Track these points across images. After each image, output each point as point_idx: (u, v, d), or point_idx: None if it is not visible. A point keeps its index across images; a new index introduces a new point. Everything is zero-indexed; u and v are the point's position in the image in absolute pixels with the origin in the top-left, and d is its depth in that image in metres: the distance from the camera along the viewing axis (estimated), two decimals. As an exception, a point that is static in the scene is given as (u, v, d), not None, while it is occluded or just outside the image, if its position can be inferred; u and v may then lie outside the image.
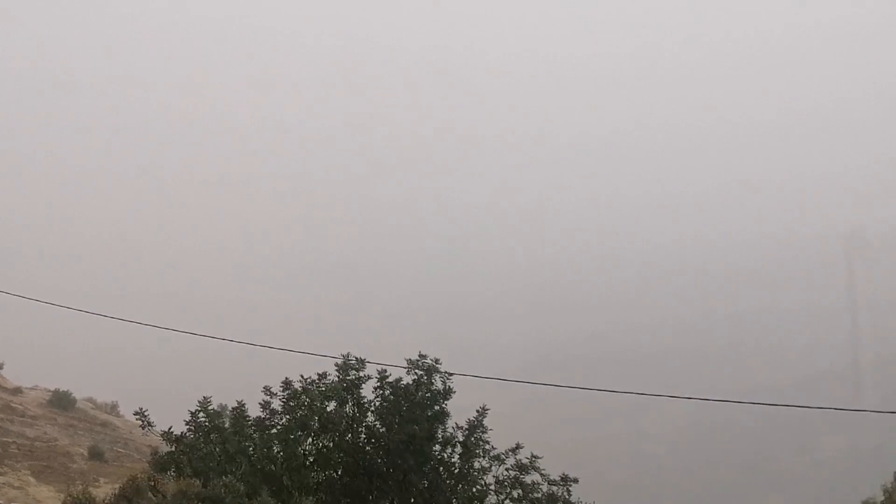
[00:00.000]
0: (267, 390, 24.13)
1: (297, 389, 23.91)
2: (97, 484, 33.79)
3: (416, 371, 24.62)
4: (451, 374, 24.77)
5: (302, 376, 24.21)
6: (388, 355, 25.25)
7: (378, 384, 24.39)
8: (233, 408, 23.85)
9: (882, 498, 29.19)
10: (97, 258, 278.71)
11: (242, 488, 18.20)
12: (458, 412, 25.12)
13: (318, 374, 24.31)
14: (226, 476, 19.42)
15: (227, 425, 23.26)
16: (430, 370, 24.67)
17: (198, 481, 19.42)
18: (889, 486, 28.93)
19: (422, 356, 24.92)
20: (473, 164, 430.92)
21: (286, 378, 24.28)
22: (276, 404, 23.90)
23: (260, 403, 24.01)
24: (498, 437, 24.99)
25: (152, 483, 18.33)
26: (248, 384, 25.79)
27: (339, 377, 24.28)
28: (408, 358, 24.88)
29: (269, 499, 18.91)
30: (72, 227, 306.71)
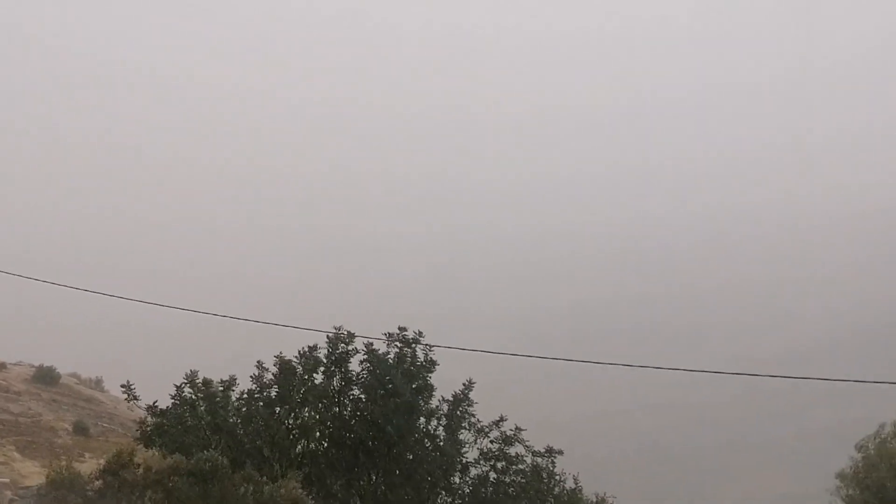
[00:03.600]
0: (260, 365, 24.15)
1: (286, 362, 23.95)
2: (82, 459, 33.73)
3: (397, 344, 24.62)
4: (432, 347, 24.78)
5: (299, 351, 24.25)
6: (379, 330, 25.24)
7: (364, 358, 24.41)
8: (221, 380, 23.85)
9: (855, 466, 29.69)
10: (81, 232, 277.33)
11: (226, 461, 18.15)
12: (447, 385, 25.13)
13: (309, 347, 24.33)
14: (208, 450, 19.38)
15: (217, 399, 23.27)
16: (412, 343, 24.66)
17: (182, 456, 19.37)
18: (858, 456, 29.43)
19: (402, 329, 24.90)
20: (462, 138, 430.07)
21: (280, 353, 24.30)
22: (269, 378, 23.94)
23: (251, 377, 24.04)
24: (484, 410, 25.03)
25: (137, 459, 18.26)
26: (238, 359, 25.77)
27: (329, 350, 24.30)
28: (386, 332, 24.86)
29: (254, 472, 18.88)
30: (54, 201, 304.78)
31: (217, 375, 24.11)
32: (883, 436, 29.55)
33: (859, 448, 29.75)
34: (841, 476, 29.95)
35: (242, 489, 17.76)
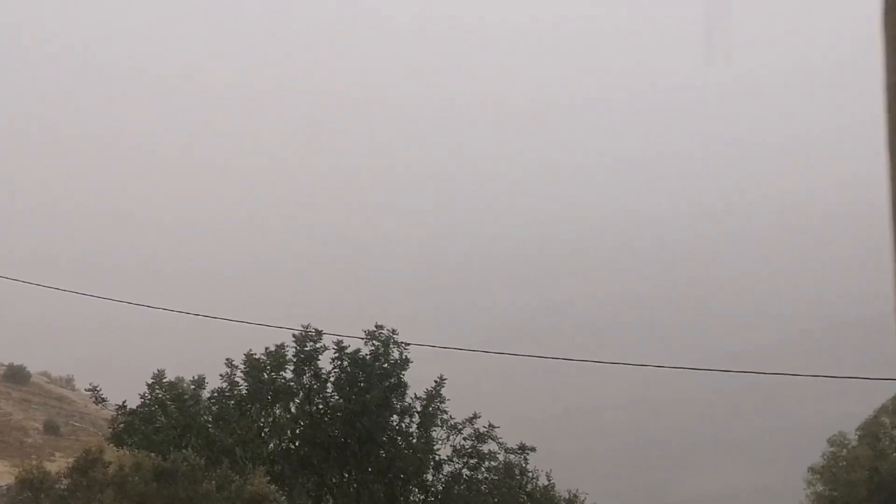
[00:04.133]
0: (229, 362, 24.09)
1: (256, 360, 23.91)
2: (52, 458, 33.54)
3: (374, 342, 24.62)
4: (407, 345, 24.80)
5: (266, 349, 24.21)
6: (349, 327, 25.23)
7: (336, 355, 24.39)
8: (191, 380, 23.78)
9: (826, 460, 30.05)
10: (51, 229, 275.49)
11: (202, 461, 18.10)
12: (420, 383, 25.16)
13: (276, 346, 24.29)
14: (184, 449, 19.33)
15: (186, 397, 23.21)
16: (387, 341, 24.68)
17: (155, 454, 19.29)
18: (828, 452, 29.80)
19: (378, 327, 24.92)
20: (441, 134, 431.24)
21: (249, 350, 24.26)
22: (238, 376, 23.89)
23: (221, 375, 23.98)
24: (457, 408, 25.06)
25: (106, 458, 18.17)
26: (208, 357, 25.70)
27: (296, 348, 24.28)
28: (365, 329, 24.88)
29: (229, 471, 18.82)
30: (24, 197, 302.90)
31: (192, 374, 24.08)
32: (855, 432, 29.91)
33: (832, 443, 30.09)
34: (812, 470, 30.27)
35: (209, 486, 17.69)
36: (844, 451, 29.43)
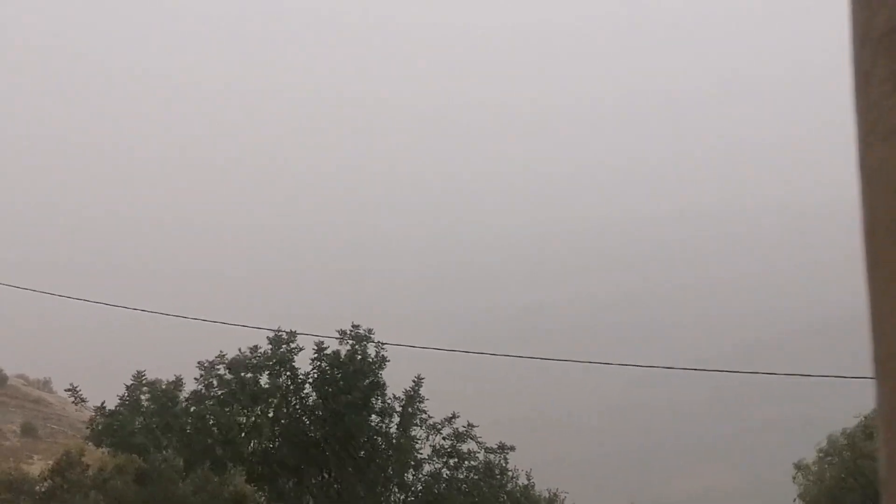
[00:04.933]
0: (202, 364, 24.03)
1: (231, 362, 23.86)
2: (30, 461, 33.29)
3: (349, 341, 24.61)
4: (384, 344, 24.81)
5: (240, 350, 24.17)
6: (328, 328, 25.22)
7: (315, 356, 24.36)
8: (169, 381, 23.70)
9: (815, 459, 30.09)
10: (26, 229, 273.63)
11: (181, 462, 18.06)
12: (399, 384, 25.17)
13: (250, 348, 24.25)
14: (164, 450, 19.29)
15: (164, 399, 23.15)
16: (363, 339, 24.66)
17: (135, 456, 19.24)
18: (824, 447, 29.84)
19: (355, 326, 24.91)
20: (439, 136, 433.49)
21: (220, 352, 24.20)
22: (215, 377, 23.84)
23: (196, 378, 23.91)
24: (436, 408, 25.09)
25: (85, 459, 18.11)
26: (186, 358, 25.60)
27: (271, 350, 24.24)
28: (339, 329, 24.84)
29: (210, 472, 18.79)
30: (7, 199, 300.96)
31: (170, 375, 23.98)
32: (848, 431, 29.98)
33: (830, 441, 30.11)
34: (798, 466, 30.27)
35: (185, 487, 17.67)
36: (838, 447, 29.55)
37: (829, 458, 29.69)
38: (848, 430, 29.94)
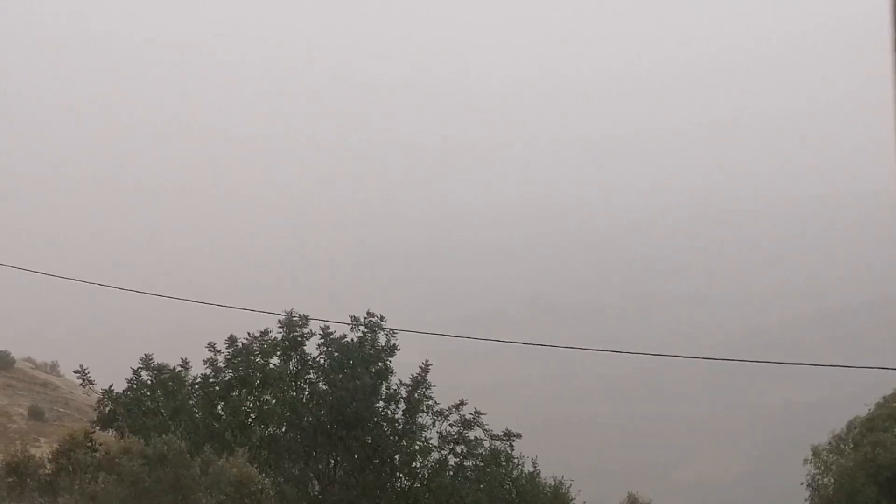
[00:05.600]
0: (212, 347, 23.99)
1: (240, 346, 23.80)
2: (37, 444, 33.30)
3: (361, 328, 24.56)
4: (395, 331, 24.74)
5: (249, 333, 24.10)
6: (337, 313, 25.16)
7: (322, 341, 24.32)
8: (176, 364, 23.67)
9: (827, 446, 29.94)
10: (34, 213, 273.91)
11: (184, 445, 18.04)
12: (405, 368, 25.14)
13: (261, 332, 24.19)
14: (168, 433, 19.27)
15: (171, 382, 23.12)
16: (374, 327, 24.62)
17: (140, 439, 19.23)
18: (840, 432, 29.68)
19: (369, 314, 24.87)
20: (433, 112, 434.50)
21: (231, 335, 24.14)
22: (221, 361, 23.79)
23: (204, 361, 23.86)
24: (442, 394, 25.05)
25: (92, 441, 18.10)
26: (194, 341, 25.60)
27: (282, 334, 24.19)
28: (352, 315, 24.81)
29: (213, 455, 18.76)
30: (9, 182, 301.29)
31: (178, 358, 23.94)
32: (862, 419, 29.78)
33: (850, 427, 29.85)
34: (815, 452, 29.93)
35: (195, 470, 17.66)
36: (848, 437, 29.38)
37: (842, 447, 29.47)
38: (860, 419, 29.74)
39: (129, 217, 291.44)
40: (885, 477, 26.35)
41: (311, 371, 24.33)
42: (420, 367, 24.81)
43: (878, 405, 29.63)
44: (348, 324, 24.60)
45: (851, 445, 28.70)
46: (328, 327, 24.33)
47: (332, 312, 24.54)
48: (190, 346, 25.16)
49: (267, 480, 18.70)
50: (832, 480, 28.46)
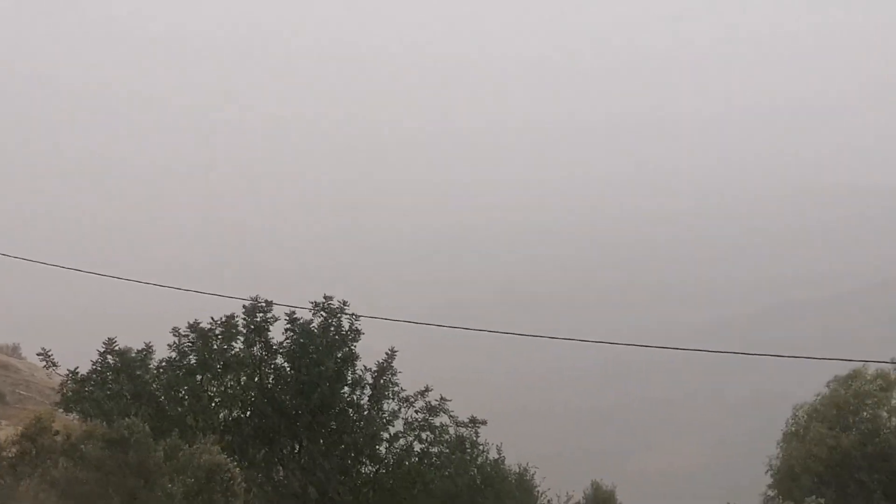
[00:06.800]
0: (176, 331, 23.88)
1: (203, 330, 23.71)
2: (-1, 426, 33.09)
3: (322, 312, 24.52)
4: (358, 316, 24.71)
5: (213, 318, 24.01)
6: (298, 296, 25.09)
7: (288, 326, 24.27)
8: (139, 349, 23.54)
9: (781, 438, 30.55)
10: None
11: (147, 428, 17.97)
12: (371, 355, 25.13)
13: (226, 316, 24.10)
14: (129, 417, 19.18)
15: (135, 365, 23.02)
16: (337, 311, 24.57)
17: (103, 422, 19.13)
18: (800, 412, 30.31)
19: (327, 298, 24.80)
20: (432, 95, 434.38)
21: (194, 319, 24.03)
22: (187, 346, 23.70)
23: (168, 345, 23.75)
24: (408, 381, 25.08)
25: (55, 425, 18.01)
26: (159, 326, 25.43)
27: (245, 319, 24.11)
28: (312, 300, 24.72)
29: (179, 440, 18.71)
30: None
31: (141, 342, 23.80)
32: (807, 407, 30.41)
33: (795, 417, 30.59)
34: (786, 437, 30.60)
35: (160, 454, 17.61)
36: (802, 421, 30.02)
37: (791, 438, 30.19)
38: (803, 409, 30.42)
39: (100, 199, 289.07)
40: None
41: (277, 355, 24.28)
42: (386, 354, 24.83)
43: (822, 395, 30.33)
44: (309, 308, 24.51)
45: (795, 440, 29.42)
46: (294, 312, 24.26)
47: (308, 298, 24.53)
48: (157, 332, 25.00)
49: (237, 469, 18.69)
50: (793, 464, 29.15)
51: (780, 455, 30.43)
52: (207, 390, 23.37)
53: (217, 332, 23.77)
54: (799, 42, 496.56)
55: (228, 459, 18.61)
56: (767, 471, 30.88)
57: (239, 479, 18.49)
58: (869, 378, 29.23)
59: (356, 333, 24.56)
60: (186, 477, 17.62)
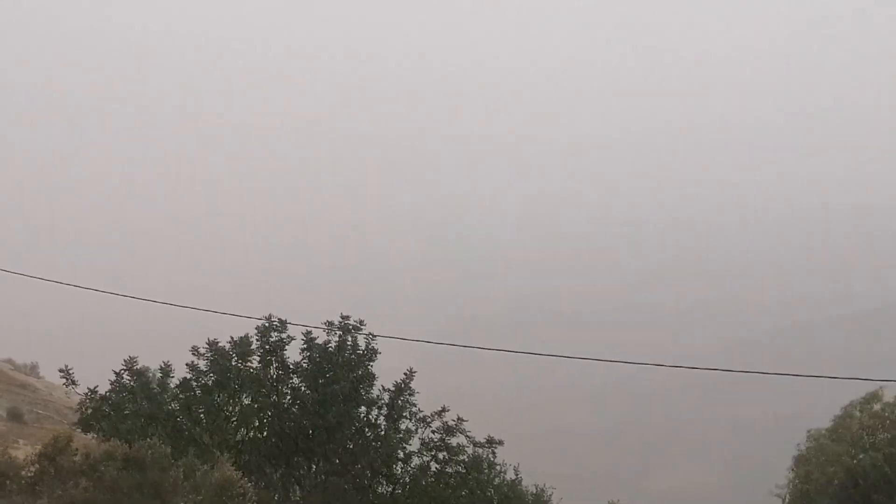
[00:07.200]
0: (195, 350, 23.96)
1: (222, 349, 23.79)
2: (16, 445, 33.18)
3: (338, 332, 24.56)
4: (375, 336, 24.74)
5: (232, 337, 24.09)
6: (319, 318, 25.15)
7: (304, 346, 24.32)
8: (158, 368, 23.65)
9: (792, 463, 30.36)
10: (14, 214, 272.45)
11: (168, 449, 18.06)
12: (381, 372, 25.14)
13: (241, 336, 24.16)
14: (151, 437, 19.28)
15: (153, 385, 23.11)
16: (351, 331, 24.58)
17: (122, 442, 19.21)
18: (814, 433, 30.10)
19: (344, 318, 24.84)
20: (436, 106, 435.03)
21: (212, 339, 24.10)
22: (203, 365, 23.76)
23: (186, 364, 23.84)
24: (420, 397, 25.05)
25: (74, 445, 18.09)
26: (175, 345, 25.55)
27: (259, 339, 24.17)
28: (327, 320, 24.74)
29: (195, 459, 18.78)
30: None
31: (159, 361, 23.91)
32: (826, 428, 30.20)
33: (810, 438, 30.36)
34: (799, 461, 30.36)
35: (176, 474, 17.67)
36: (818, 443, 29.80)
37: (807, 461, 29.97)
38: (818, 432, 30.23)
39: (116, 219, 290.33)
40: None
41: (294, 375, 24.33)
42: (405, 374, 24.84)
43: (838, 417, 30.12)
44: (324, 328, 24.55)
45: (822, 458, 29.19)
46: (310, 332, 24.32)
47: (321, 316, 24.58)
48: (176, 351, 25.11)
49: (249, 485, 18.73)
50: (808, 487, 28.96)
51: (792, 480, 30.16)
52: (224, 409, 23.43)
53: (233, 351, 23.86)
54: (814, 57, 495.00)
55: (240, 475, 18.65)
56: (776, 493, 30.64)
57: (251, 494, 18.51)
58: (891, 401, 28.98)
59: (373, 353, 24.60)
60: (198, 495, 17.67)
